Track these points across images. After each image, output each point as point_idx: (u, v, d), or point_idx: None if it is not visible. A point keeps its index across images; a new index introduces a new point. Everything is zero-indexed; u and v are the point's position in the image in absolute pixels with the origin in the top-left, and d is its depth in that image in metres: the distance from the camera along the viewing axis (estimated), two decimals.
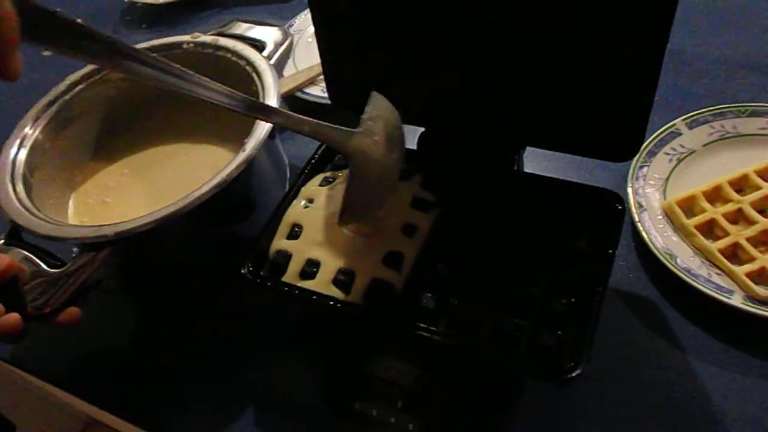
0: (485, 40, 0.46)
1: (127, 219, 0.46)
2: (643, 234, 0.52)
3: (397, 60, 0.51)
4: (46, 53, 0.92)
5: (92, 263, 0.45)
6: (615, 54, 0.42)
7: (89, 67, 0.62)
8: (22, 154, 0.54)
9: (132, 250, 0.48)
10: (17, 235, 0.49)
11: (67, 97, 0.60)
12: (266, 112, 0.44)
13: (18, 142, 0.54)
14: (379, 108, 0.46)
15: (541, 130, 0.49)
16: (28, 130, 0.56)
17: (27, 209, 0.49)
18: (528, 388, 0.48)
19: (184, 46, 0.63)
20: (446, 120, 0.53)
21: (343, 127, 0.44)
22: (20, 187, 0.51)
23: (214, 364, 0.54)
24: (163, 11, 0.96)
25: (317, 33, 0.52)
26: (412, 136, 0.66)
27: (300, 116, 0.44)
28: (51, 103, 0.58)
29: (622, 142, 0.47)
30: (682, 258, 0.51)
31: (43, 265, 0.45)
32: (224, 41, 0.61)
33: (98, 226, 0.46)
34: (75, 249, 0.52)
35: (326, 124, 0.44)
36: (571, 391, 0.47)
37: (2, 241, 0.48)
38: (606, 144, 0.47)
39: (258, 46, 0.62)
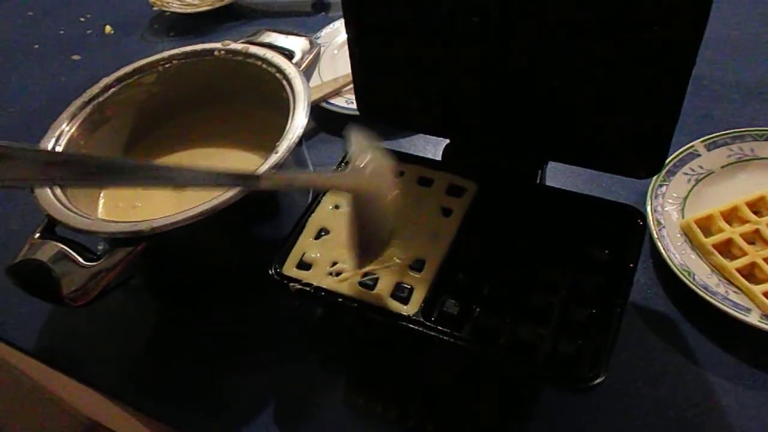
0: (512, 57, 0.48)
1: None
2: (662, 251, 0.53)
3: (425, 73, 0.53)
4: (75, 57, 0.95)
5: (126, 259, 0.46)
6: (642, 75, 0.44)
7: (123, 71, 0.63)
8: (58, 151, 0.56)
9: (163, 248, 0.49)
10: (52, 230, 0.50)
11: (101, 98, 0.61)
12: (254, 180, 0.42)
13: (54, 138, 0.56)
14: (360, 143, 0.46)
15: (565, 146, 0.51)
16: (64, 127, 0.57)
17: (63, 205, 0.50)
18: (543, 398, 0.49)
19: (215, 53, 0.64)
20: (471, 133, 0.55)
21: (333, 172, 0.45)
22: None
23: (232, 362, 0.55)
24: (191, 20, 0.98)
25: (350, 45, 0.54)
26: (434, 148, 0.68)
27: (289, 174, 0.45)
28: (86, 104, 0.60)
29: (645, 160, 0.48)
30: (700, 275, 0.52)
31: (80, 259, 0.46)
32: (254, 49, 0.63)
33: (134, 222, 0.47)
34: (99, 247, 0.53)
35: (318, 173, 0.46)
36: (586, 401, 0.48)
37: (38, 235, 0.49)
38: (629, 161, 0.48)
39: (287, 54, 0.63)
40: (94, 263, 0.46)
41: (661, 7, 0.40)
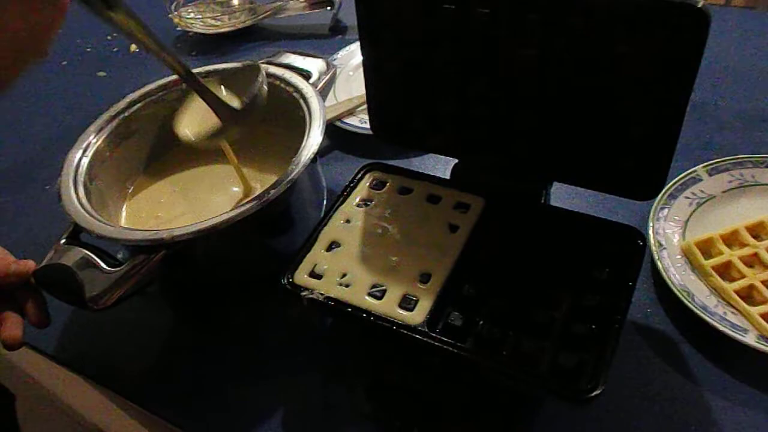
0: (520, 83, 0.50)
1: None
2: (662, 271, 0.54)
3: (437, 96, 0.55)
4: (101, 73, 0.99)
5: (147, 265, 0.48)
6: (642, 104, 0.46)
7: (148, 87, 0.66)
8: (84, 162, 0.58)
9: (181, 256, 0.51)
10: (76, 236, 0.53)
11: (126, 113, 0.64)
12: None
13: (81, 150, 0.59)
14: None
15: (569, 168, 0.53)
16: (91, 139, 0.60)
17: (88, 212, 0.53)
18: (543, 413, 0.50)
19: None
20: (479, 154, 0.57)
21: None
22: (81, 192, 0.55)
23: (243, 369, 0.56)
24: (212, 41, 1.02)
25: (365, 67, 0.56)
26: (443, 167, 0.70)
27: None
28: (112, 118, 0.63)
29: (646, 183, 0.50)
30: (699, 296, 0.53)
31: (102, 264, 0.49)
32: (273, 69, 0.66)
33: (155, 230, 0.50)
34: (119, 255, 0.55)
35: None
36: (584, 418, 0.49)
37: (63, 241, 0.52)
38: (630, 183, 0.50)
39: (304, 75, 0.66)
40: (116, 269, 0.49)
41: (660, 39, 0.42)
